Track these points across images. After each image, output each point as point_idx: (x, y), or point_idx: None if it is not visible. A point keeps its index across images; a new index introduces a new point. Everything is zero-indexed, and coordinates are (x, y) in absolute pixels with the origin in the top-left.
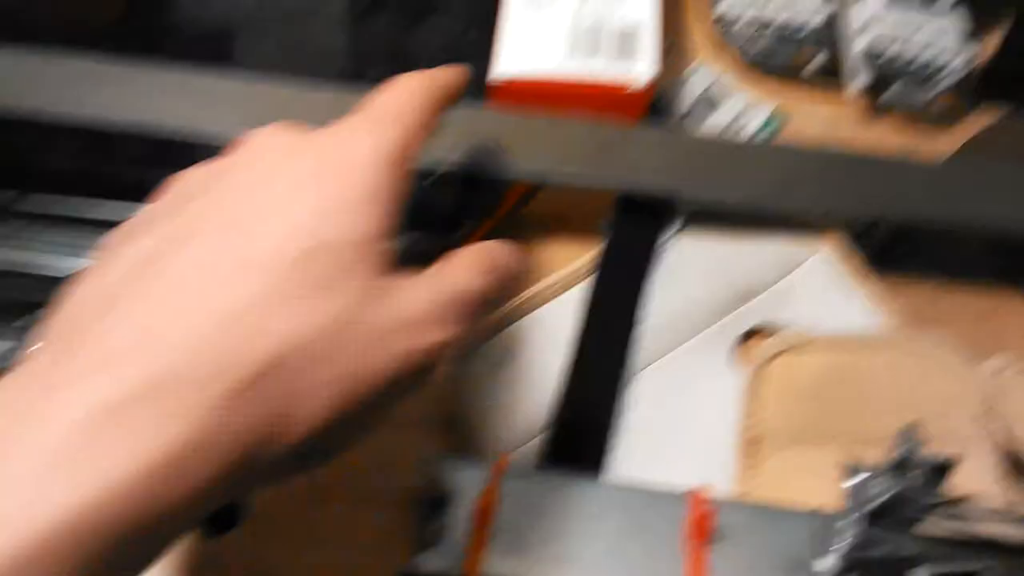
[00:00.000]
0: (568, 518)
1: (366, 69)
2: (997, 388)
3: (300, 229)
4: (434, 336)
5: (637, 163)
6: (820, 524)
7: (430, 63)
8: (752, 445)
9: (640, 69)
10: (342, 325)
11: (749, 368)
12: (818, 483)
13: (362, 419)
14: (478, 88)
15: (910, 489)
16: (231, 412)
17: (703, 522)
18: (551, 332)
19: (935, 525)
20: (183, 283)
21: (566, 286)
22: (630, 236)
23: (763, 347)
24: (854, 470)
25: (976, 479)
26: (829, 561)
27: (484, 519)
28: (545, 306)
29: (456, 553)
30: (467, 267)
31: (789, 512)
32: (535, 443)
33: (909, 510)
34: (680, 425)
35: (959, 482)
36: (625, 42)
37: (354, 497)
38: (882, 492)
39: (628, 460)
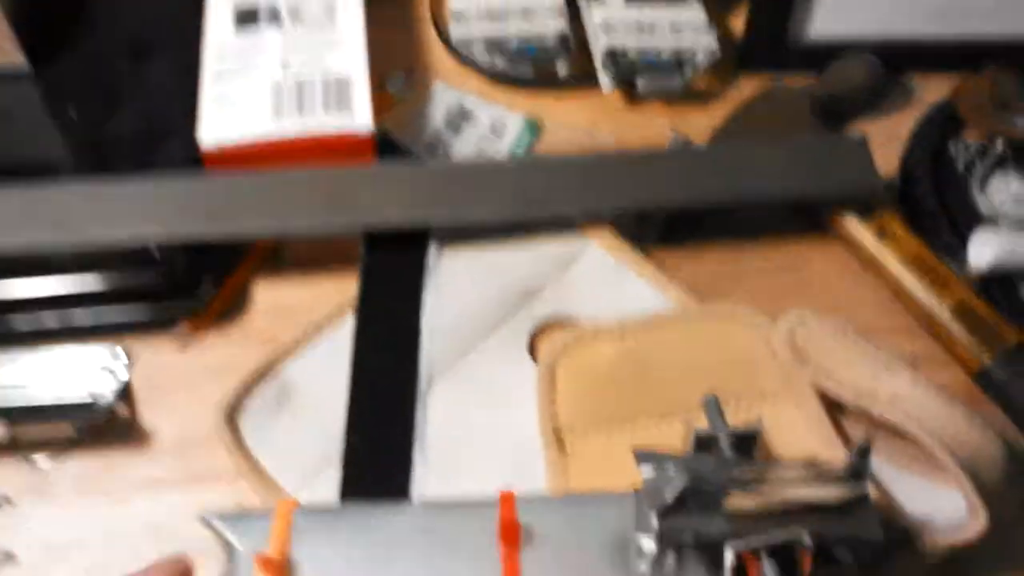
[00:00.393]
0: (375, 548)
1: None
2: (801, 339)
3: None
4: None
5: (378, 200)
6: (636, 502)
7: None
8: (556, 439)
9: (357, 115)
10: None
11: (540, 364)
12: (630, 466)
13: None
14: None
15: (708, 470)
16: None
17: (511, 525)
18: (326, 369)
19: (743, 498)
20: None
21: (332, 323)
22: (386, 265)
23: (552, 341)
24: (643, 458)
25: (792, 433)
26: (648, 542)
27: (277, 569)
28: (315, 344)
29: None
30: None
31: (602, 497)
32: (330, 481)
33: (711, 489)
34: (485, 431)
35: (777, 439)
36: (338, 91)
37: None
38: (676, 480)
39: (437, 475)
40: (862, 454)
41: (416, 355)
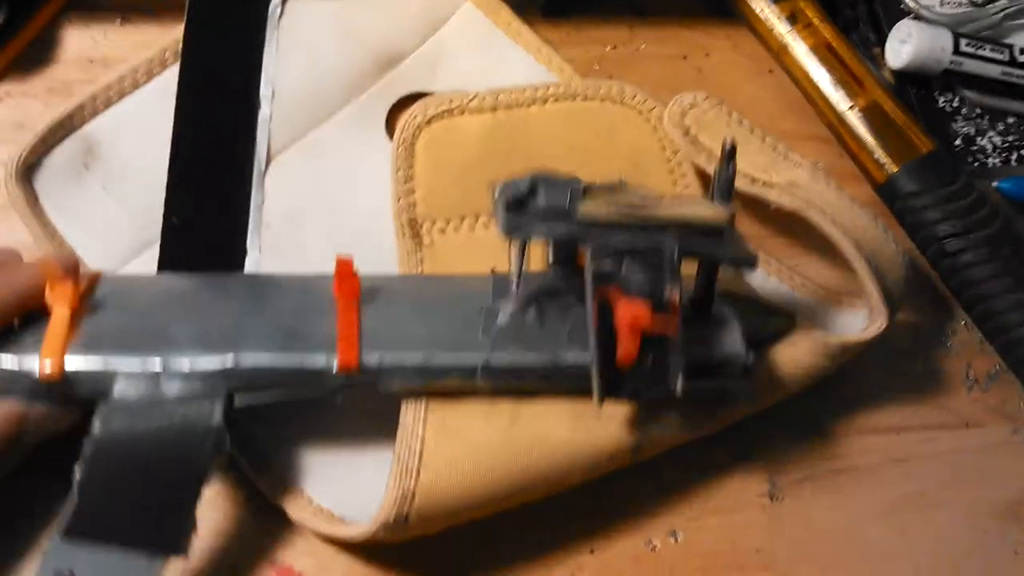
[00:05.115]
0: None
1: None
2: (692, 120)
3: None
4: None
5: None
6: (494, 282)
7: None
8: (411, 227)
9: None
10: None
11: (395, 139)
12: (491, 259)
13: None
14: None
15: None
16: None
17: (348, 276)
18: (144, 131)
19: (600, 207)
20: None
21: (149, 75)
22: (219, 11)
23: (413, 111)
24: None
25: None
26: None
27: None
28: (131, 99)
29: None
30: None
31: (458, 278)
32: (150, 255)
33: (563, 194)
34: (331, 215)
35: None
36: None
37: None
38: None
39: (273, 263)
40: (728, 157)
41: (253, 123)
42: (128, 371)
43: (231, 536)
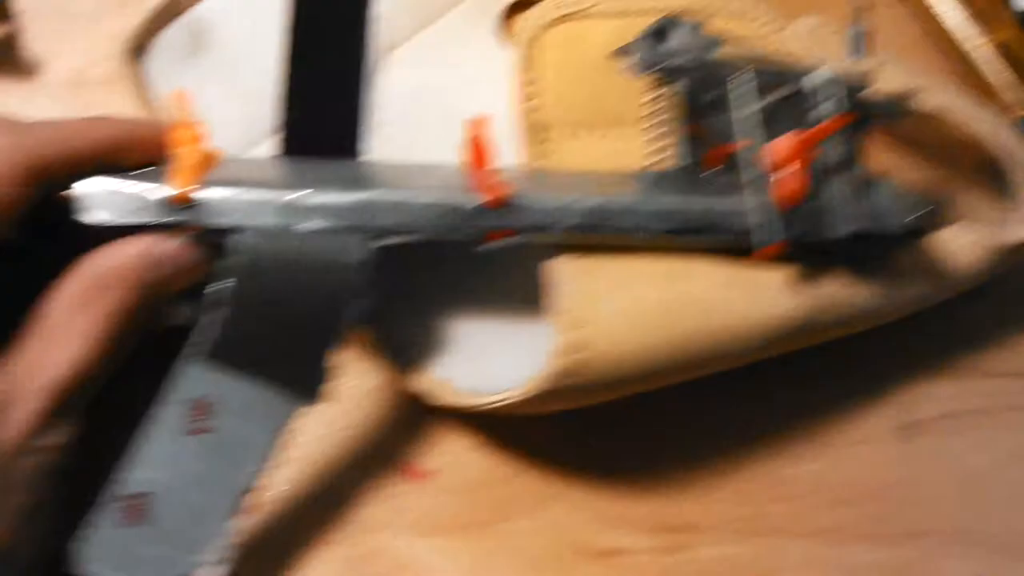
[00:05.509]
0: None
1: None
2: (813, 43)
3: None
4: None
5: None
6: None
7: None
8: (533, 132)
9: None
10: None
11: (521, 41)
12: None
13: None
14: None
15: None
16: None
17: (481, 143)
18: (256, 19)
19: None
20: None
21: None
22: None
23: (537, 12)
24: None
25: None
26: None
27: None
28: None
29: None
30: (69, 331)
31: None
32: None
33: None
34: (446, 111)
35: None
36: None
37: None
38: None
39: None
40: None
41: (368, 15)
42: (263, 201)
43: (359, 431)
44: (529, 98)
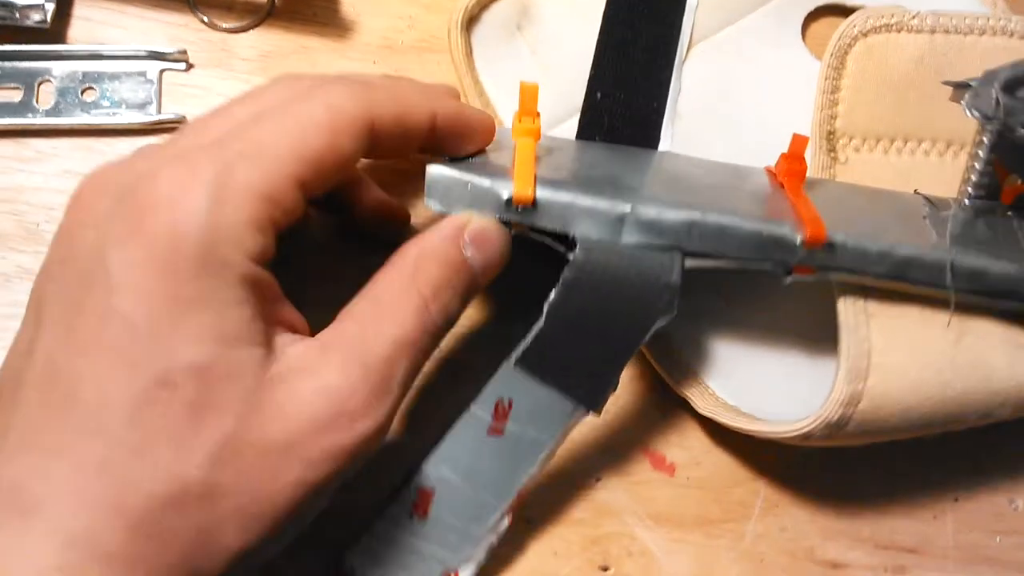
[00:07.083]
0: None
1: None
2: None
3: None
4: (355, 429)
5: None
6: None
7: None
8: (828, 141)
9: None
10: (227, 455)
11: (829, 47)
12: (906, 186)
13: (295, 520)
14: None
15: None
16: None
17: (799, 162)
18: (577, 4)
19: None
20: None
21: None
22: None
23: (852, 21)
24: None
25: None
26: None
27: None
28: None
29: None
30: (397, 306)
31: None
32: (568, 127)
33: None
34: (743, 109)
35: None
36: None
37: None
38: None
39: (682, 149)
40: None
41: (682, 7)
42: (595, 208)
43: (613, 418)
44: (828, 105)
